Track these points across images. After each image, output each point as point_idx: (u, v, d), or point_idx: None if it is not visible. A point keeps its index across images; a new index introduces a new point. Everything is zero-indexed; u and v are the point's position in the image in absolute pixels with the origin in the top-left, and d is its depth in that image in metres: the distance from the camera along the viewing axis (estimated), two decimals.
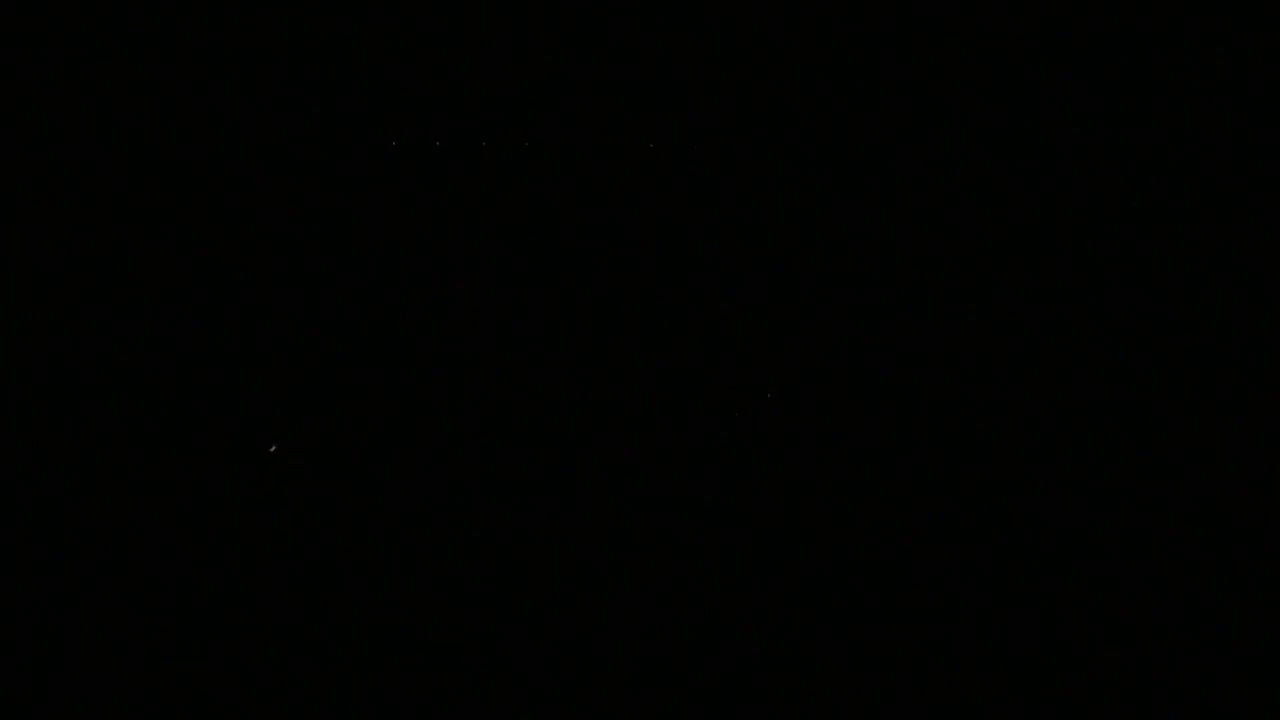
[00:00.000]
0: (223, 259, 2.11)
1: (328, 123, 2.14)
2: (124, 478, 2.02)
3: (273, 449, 2.03)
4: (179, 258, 2.09)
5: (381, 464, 2.10)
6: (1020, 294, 2.18)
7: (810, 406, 2.16)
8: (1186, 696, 2.01)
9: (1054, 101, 2.18)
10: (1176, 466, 2.12)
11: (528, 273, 2.18)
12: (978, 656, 2.03)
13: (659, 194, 2.19)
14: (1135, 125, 2.19)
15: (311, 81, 2.14)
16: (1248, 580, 2.06)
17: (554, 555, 2.08)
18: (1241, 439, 2.12)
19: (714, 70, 2.18)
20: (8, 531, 1.98)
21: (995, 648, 2.04)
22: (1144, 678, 2.02)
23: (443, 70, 2.17)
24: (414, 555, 2.07)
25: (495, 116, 2.17)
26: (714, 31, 2.17)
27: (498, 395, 2.15)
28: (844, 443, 2.14)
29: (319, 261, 2.13)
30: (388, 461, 2.10)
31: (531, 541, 2.08)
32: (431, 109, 2.17)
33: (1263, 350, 2.14)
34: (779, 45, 2.17)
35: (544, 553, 2.08)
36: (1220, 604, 2.05)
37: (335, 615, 2.02)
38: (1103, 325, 2.17)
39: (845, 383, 2.17)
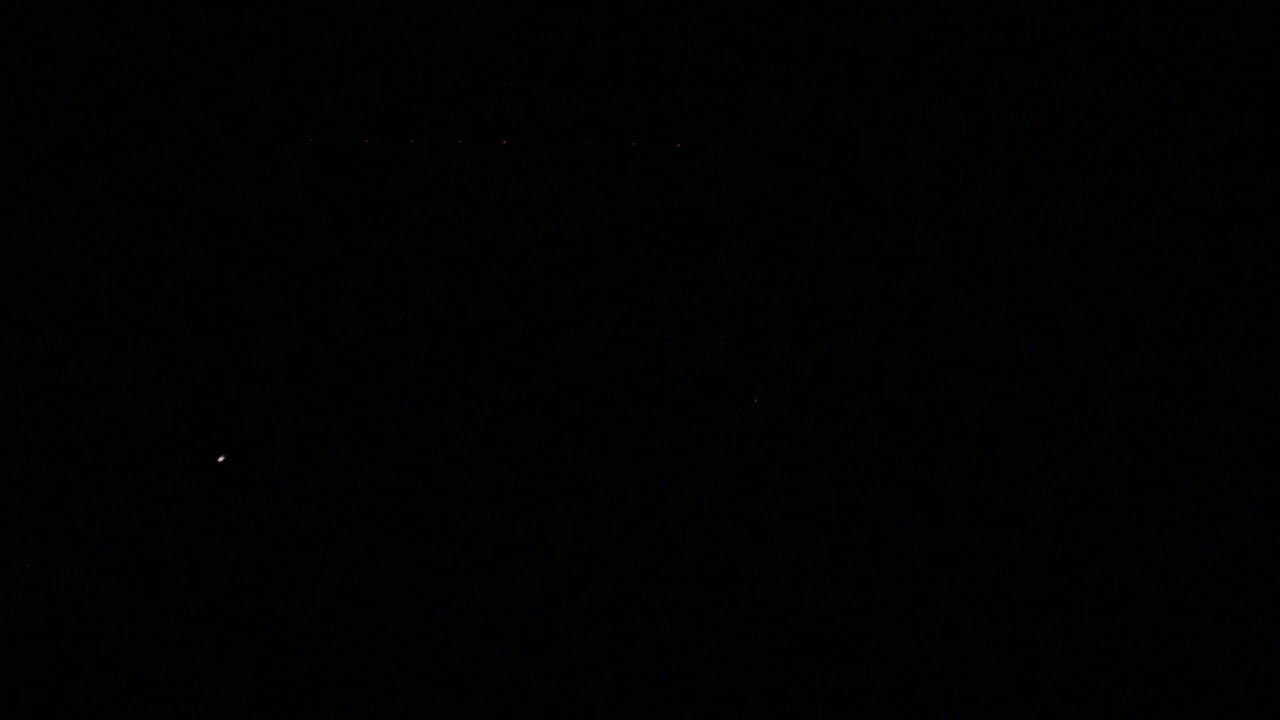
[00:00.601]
0: (200, 258, 2.10)
1: (303, 120, 2.13)
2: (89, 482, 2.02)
3: (221, 459, 2.02)
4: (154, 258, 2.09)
5: (364, 465, 2.10)
6: (1013, 298, 2.17)
7: (798, 410, 2.15)
8: (1186, 696, 2.00)
9: (1051, 102, 2.17)
10: (1174, 466, 2.11)
11: (510, 272, 2.17)
12: (970, 656, 2.03)
13: (644, 194, 2.18)
14: (1134, 125, 2.18)
15: (287, 79, 2.13)
16: (1248, 580, 2.05)
17: (547, 555, 2.08)
18: (1241, 439, 2.11)
19: (697, 71, 2.17)
20: None
21: (987, 648, 2.03)
22: (1143, 677, 2.01)
23: (420, 69, 2.16)
24: (401, 558, 2.07)
25: (474, 115, 2.16)
26: (697, 31, 2.16)
27: (479, 398, 2.15)
28: (835, 444, 2.13)
29: (291, 259, 2.12)
30: (370, 463, 2.10)
31: (523, 542, 2.08)
32: (409, 107, 2.16)
33: (1263, 350, 2.13)
34: (760, 45, 2.16)
35: (537, 553, 2.08)
36: (1220, 604, 2.04)
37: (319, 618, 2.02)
38: (1098, 327, 2.17)
39: (837, 385, 2.16)
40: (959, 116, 2.17)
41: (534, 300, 2.18)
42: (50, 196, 2.08)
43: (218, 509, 2.03)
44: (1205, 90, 2.15)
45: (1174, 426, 2.13)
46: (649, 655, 2.03)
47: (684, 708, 1.99)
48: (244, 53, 2.10)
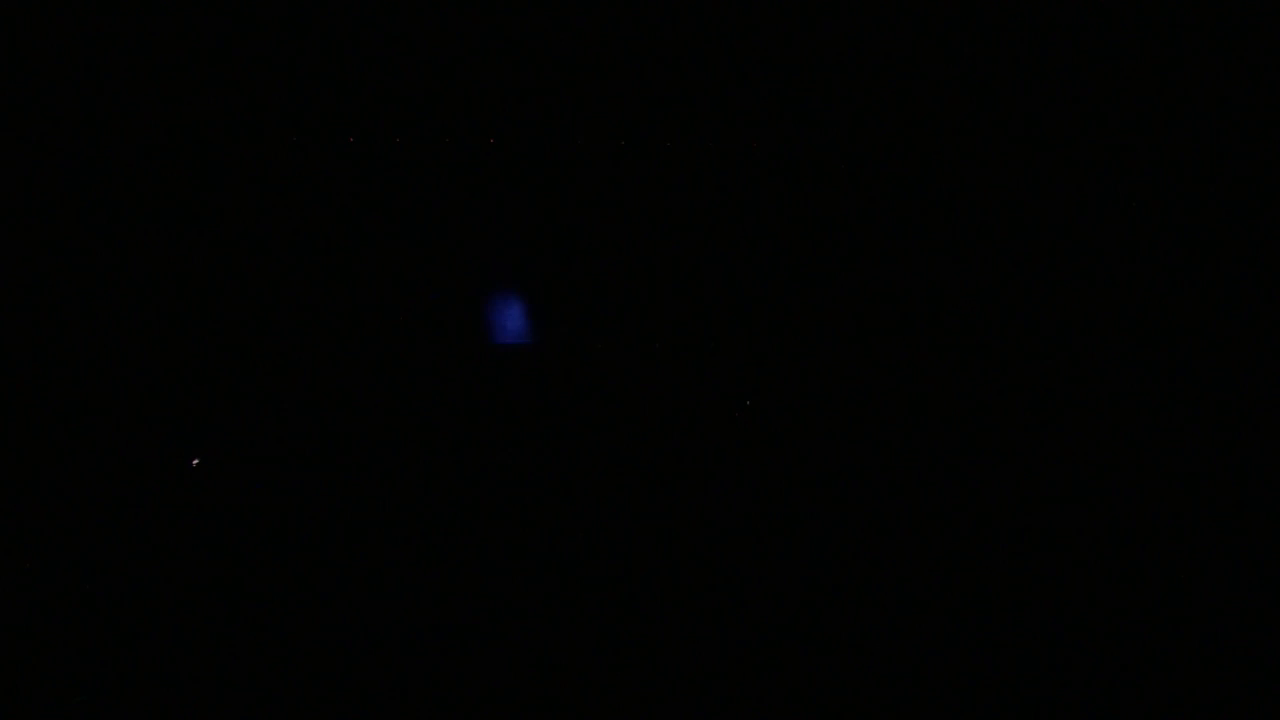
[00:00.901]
0: (185, 256, 2.08)
1: (289, 118, 2.11)
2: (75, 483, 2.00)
3: (195, 462, 2.00)
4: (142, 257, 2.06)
5: (344, 467, 2.08)
6: (1006, 300, 2.17)
7: (795, 411, 2.15)
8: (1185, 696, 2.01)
9: (1050, 103, 2.17)
10: (1173, 466, 2.12)
11: (501, 271, 2.16)
12: (967, 656, 2.03)
13: (638, 193, 2.17)
14: (1133, 126, 2.18)
15: (274, 77, 2.11)
16: (1248, 580, 2.06)
17: (542, 554, 2.07)
18: (1241, 439, 2.12)
19: (685, 70, 2.16)
20: None
21: (984, 648, 2.03)
22: (1140, 678, 2.02)
23: (407, 68, 2.14)
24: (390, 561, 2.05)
25: (461, 113, 2.15)
26: (692, 30, 2.15)
27: (472, 398, 2.13)
28: (832, 445, 2.13)
29: (276, 257, 2.10)
30: (351, 465, 2.08)
31: (519, 542, 2.07)
32: (395, 105, 2.14)
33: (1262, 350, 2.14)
34: (746, 45, 2.15)
35: (533, 552, 2.07)
36: (1219, 604, 2.05)
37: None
38: (1095, 330, 2.17)
39: (833, 387, 2.16)
40: (959, 116, 2.17)
41: (525, 300, 2.16)
42: (27, 197, 2.05)
43: (192, 512, 2.01)
44: (1205, 90, 2.15)
45: (1173, 426, 2.14)
46: (646, 654, 2.02)
47: (682, 707, 1.99)
48: (232, 51, 2.07)
